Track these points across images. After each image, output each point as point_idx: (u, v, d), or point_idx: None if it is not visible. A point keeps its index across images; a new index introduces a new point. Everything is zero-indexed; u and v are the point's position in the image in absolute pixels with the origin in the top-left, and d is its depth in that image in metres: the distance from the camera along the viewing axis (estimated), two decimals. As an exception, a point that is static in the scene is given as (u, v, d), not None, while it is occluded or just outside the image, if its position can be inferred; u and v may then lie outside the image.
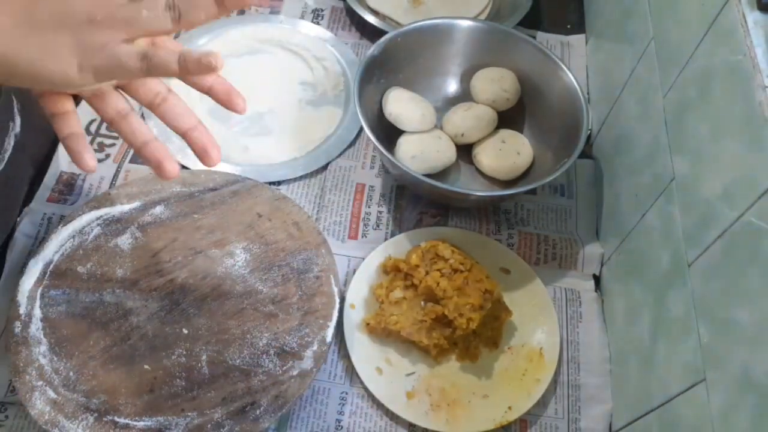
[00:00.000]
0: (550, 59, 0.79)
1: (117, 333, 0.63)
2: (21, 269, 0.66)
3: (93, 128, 0.81)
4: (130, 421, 0.59)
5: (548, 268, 0.75)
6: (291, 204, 0.72)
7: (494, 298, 0.67)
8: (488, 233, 0.77)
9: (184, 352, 0.63)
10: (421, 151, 0.77)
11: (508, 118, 0.82)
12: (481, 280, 0.68)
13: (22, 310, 0.63)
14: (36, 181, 0.76)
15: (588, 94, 0.90)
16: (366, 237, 0.76)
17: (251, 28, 0.92)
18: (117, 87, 0.47)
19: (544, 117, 0.81)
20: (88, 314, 0.64)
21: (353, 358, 0.67)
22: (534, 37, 0.85)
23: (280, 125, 0.84)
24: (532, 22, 0.94)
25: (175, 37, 0.90)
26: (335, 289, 0.67)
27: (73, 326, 0.63)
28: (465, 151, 0.81)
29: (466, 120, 0.79)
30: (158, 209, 0.71)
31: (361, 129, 0.82)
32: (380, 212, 0.78)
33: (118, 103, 0.47)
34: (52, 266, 0.66)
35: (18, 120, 0.69)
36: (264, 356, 0.63)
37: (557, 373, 0.68)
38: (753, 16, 0.50)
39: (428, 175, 0.74)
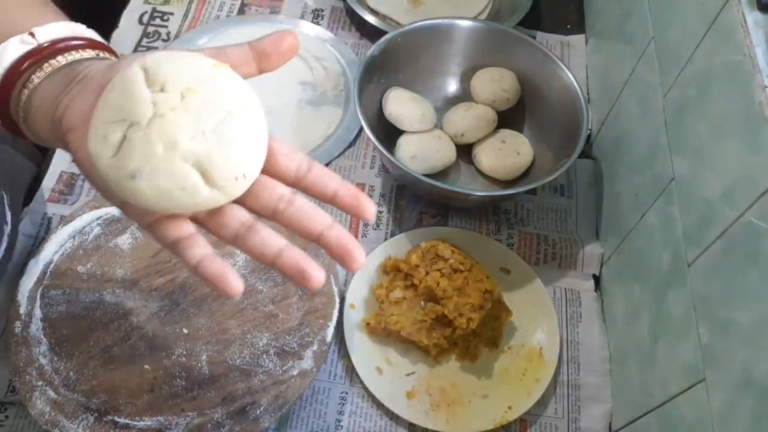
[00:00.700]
0: (549, 59, 0.79)
1: (117, 333, 0.63)
2: (21, 269, 0.66)
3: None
4: (130, 421, 0.59)
5: (548, 268, 0.75)
6: (291, 204, 0.72)
7: (494, 298, 0.67)
8: (488, 233, 0.77)
9: (184, 352, 0.63)
10: (421, 151, 0.77)
11: (508, 118, 0.82)
12: (481, 280, 0.68)
13: (22, 310, 0.63)
14: (36, 181, 0.77)
15: (588, 94, 0.90)
16: (366, 237, 0.76)
17: (251, 28, 0.92)
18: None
19: (544, 117, 0.81)
20: (88, 314, 0.64)
21: (353, 358, 0.67)
22: (534, 37, 0.85)
23: (280, 125, 0.84)
24: (532, 22, 0.94)
25: (176, 38, 0.91)
26: (335, 289, 0.67)
27: (73, 326, 0.63)
28: (465, 151, 0.81)
29: (466, 120, 0.79)
30: (158, 209, 0.71)
31: (361, 129, 0.82)
32: (380, 212, 0.78)
33: (241, 214, 0.39)
34: (52, 266, 0.66)
35: (9, 216, 0.65)
36: (264, 356, 0.63)
37: (557, 373, 0.68)
38: (753, 16, 0.50)
39: (428, 175, 0.74)
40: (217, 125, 0.36)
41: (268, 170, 0.40)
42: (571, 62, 0.93)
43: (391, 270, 0.72)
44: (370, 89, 0.78)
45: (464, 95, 0.84)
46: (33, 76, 0.42)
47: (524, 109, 0.83)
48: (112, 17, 0.93)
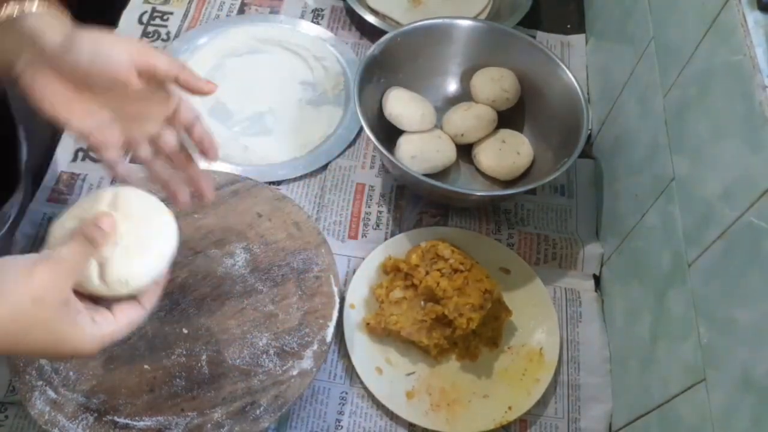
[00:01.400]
0: (550, 59, 0.79)
1: (117, 333, 0.63)
2: (21, 269, 0.66)
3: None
4: (129, 421, 0.59)
5: (548, 268, 0.75)
6: (291, 204, 0.72)
7: (494, 298, 0.67)
8: (488, 233, 0.77)
9: (184, 352, 0.63)
10: (421, 151, 0.77)
11: (508, 118, 0.82)
12: (481, 280, 0.68)
13: (22, 310, 0.63)
14: (36, 181, 0.76)
15: (588, 94, 0.90)
16: (366, 237, 0.76)
17: (251, 27, 0.92)
18: None
19: (544, 117, 0.81)
20: (88, 314, 0.64)
21: (353, 358, 0.67)
22: (534, 37, 0.85)
23: (280, 125, 0.84)
24: (532, 22, 0.94)
25: (176, 37, 0.91)
26: (335, 289, 0.67)
27: (73, 326, 0.63)
28: (465, 151, 0.81)
29: (466, 120, 0.79)
30: (158, 209, 0.71)
31: (361, 129, 0.82)
32: (380, 212, 0.78)
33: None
34: (52, 266, 0.66)
35: (24, 148, 0.69)
36: (264, 356, 0.63)
37: (557, 372, 0.68)
38: (753, 16, 0.50)
39: (428, 175, 0.74)
40: (127, 245, 0.48)
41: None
42: (571, 62, 0.92)
43: (391, 270, 0.72)
44: (370, 89, 0.78)
45: (464, 95, 0.84)
46: None
47: (524, 108, 0.83)
48: (112, 17, 0.93)
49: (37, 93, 0.48)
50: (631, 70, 0.74)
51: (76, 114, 0.49)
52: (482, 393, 0.66)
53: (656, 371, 0.59)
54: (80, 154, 0.79)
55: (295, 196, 0.78)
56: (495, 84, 0.81)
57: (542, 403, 0.67)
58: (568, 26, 0.97)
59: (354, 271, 0.72)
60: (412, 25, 0.80)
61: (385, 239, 0.75)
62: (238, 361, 0.62)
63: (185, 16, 0.94)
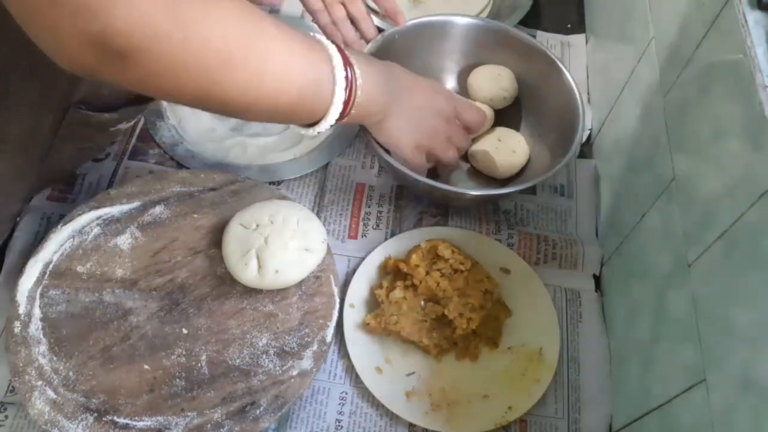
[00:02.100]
0: (547, 57, 0.79)
1: (117, 333, 0.63)
2: (20, 269, 0.66)
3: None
4: (129, 421, 0.59)
5: (548, 268, 0.75)
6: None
7: (494, 298, 0.67)
8: (488, 233, 0.77)
9: (184, 352, 0.63)
10: None
11: (506, 117, 0.82)
12: (481, 280, 0.68)
13: (21, 310, 0.63)
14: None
15: (588, 93, 0.90)
16: (366, 237, 0.76)
17: (251, 27, 0.92)
18: None
19: (541, 116, 0.81)
20: (87, 314, 0.64)
21: (353, 358, 0.67)
22: (534, 37, 0.85)
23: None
24: (532, 21, 0.94)
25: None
26: (335, 289, 0.67)
27: (73, 326, 0.63)
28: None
29: (463, 117, 0.79)
30: (158, 209, 0.71)
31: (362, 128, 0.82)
32: (380, 212, 0.78)
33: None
34: (51, 266, 0.66)
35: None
36: (264, 356, 0.63)
37: (557, 373, 0.68)
38: (753, 16, 0.50)
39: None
40: (272, 244, 0.64)
41: None
42: (572, 62, 0.92)
43: (391, 270, 0.72)
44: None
45: (462, 92, 0.84)
46: None
47: (522, 107, 0.83)
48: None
49: None
50: (631, 70, 0.74)
51: None
52: (482, 393, 0.66)
53: (656, 371, 0.59)
54: (80, 154, 0.79)
55: (295, 196, 0.78)
56: (493, 82, 0.81)
57: (542, 403, 0.67)
58: (568, 26, 0.97)
59: (354, 271, 0.72)
60: (410, 23, 0.80)
61: (385, 239, 0.75)
62: (237, 361, 0.62)
63: (185, 15, 0.94)
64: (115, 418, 0.59)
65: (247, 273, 0.64)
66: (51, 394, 0.59)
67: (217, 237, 0.69)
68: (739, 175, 0.48)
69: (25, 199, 0.73)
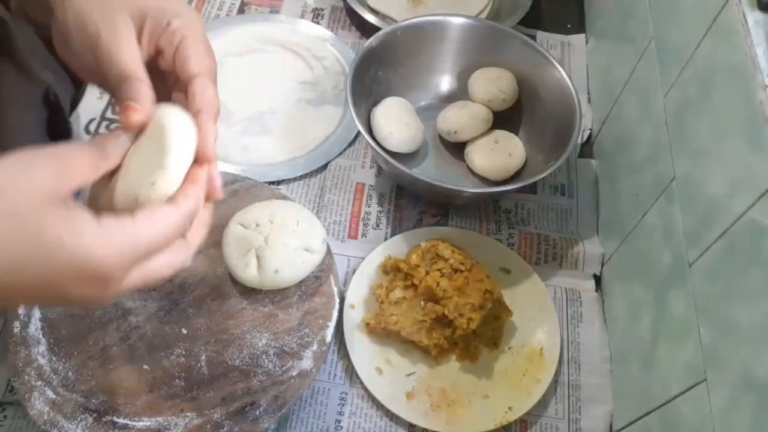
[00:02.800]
0: (545, 58, 0.78)
1: (116, 333, 0.63)
2: (20, 269, 0.66)
3: (92, 128, 0.81)
4: (129, 422, 0.59)
5: (548, 267, 0.75)
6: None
7: (494, 298, 0.67)
8: (488, 233, 0.77)
9: (184, 352, 0.63)
10: (392, 132, 0.77)
11: (505, 119, 0.82)
12: (482, 279, 0.68)
13: (21, 310, 0.63)
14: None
15: (588, 93, 0.89)
16: (366, 237, 0.76)
17: (251, 27, 0.92)
18: None
19: (539, 119, 0.81)
20: (87, 314, 0.64)
21: (353, 358, 0.66)
22: (534, 37, 0.85)
23: (280, 125, 0.83)
24: (532, 21, 0.94)
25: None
26: (335, 289, 0.67)
27: (72, 326, 0.63)
28: (458, 149, 0.81)
29: (461, 118, 0.79)
30: (158, 209, 0.71)
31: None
32: (380, 212, 0.78)
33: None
34: (51, 266, 0.66)
35: None
36: (263, 356, 0.63)
37: (557, 373, 0.68)
38: (753, 16, 0.50)
39: (420, 169, 0.73)
40: (284, 244, 0.64)
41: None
42: (572, 62, 0.92)
43: (391, 270, 0.72)
44: (367, 84, 0.78)
45: (461, 93, 0.84)
46: None
47: (521, 110, 0.83)
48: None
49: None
50: (631, 70, 0.74)
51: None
52: (482, 393, 0.66)
53: (657, 371, 0.59)
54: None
55: (295, 196, 0.78)
56: (492, 84, 0.80)
57: (543, 403, 0.67)
58: (569, 26, 0.97)
59: (354, 271, 0.72)
60: (412, 21, 0.80)
61: (385, 239, 0.75)
62: (237, 361, 0.62)
63: (185, 15, 0.94)
64: (115, 419, 0.59)
65: (247, 273, 0.64)
66: (50, 394, 0.59)
67: (216, 237, 0.69)
68: (739, 175, 0.48)
69: None
